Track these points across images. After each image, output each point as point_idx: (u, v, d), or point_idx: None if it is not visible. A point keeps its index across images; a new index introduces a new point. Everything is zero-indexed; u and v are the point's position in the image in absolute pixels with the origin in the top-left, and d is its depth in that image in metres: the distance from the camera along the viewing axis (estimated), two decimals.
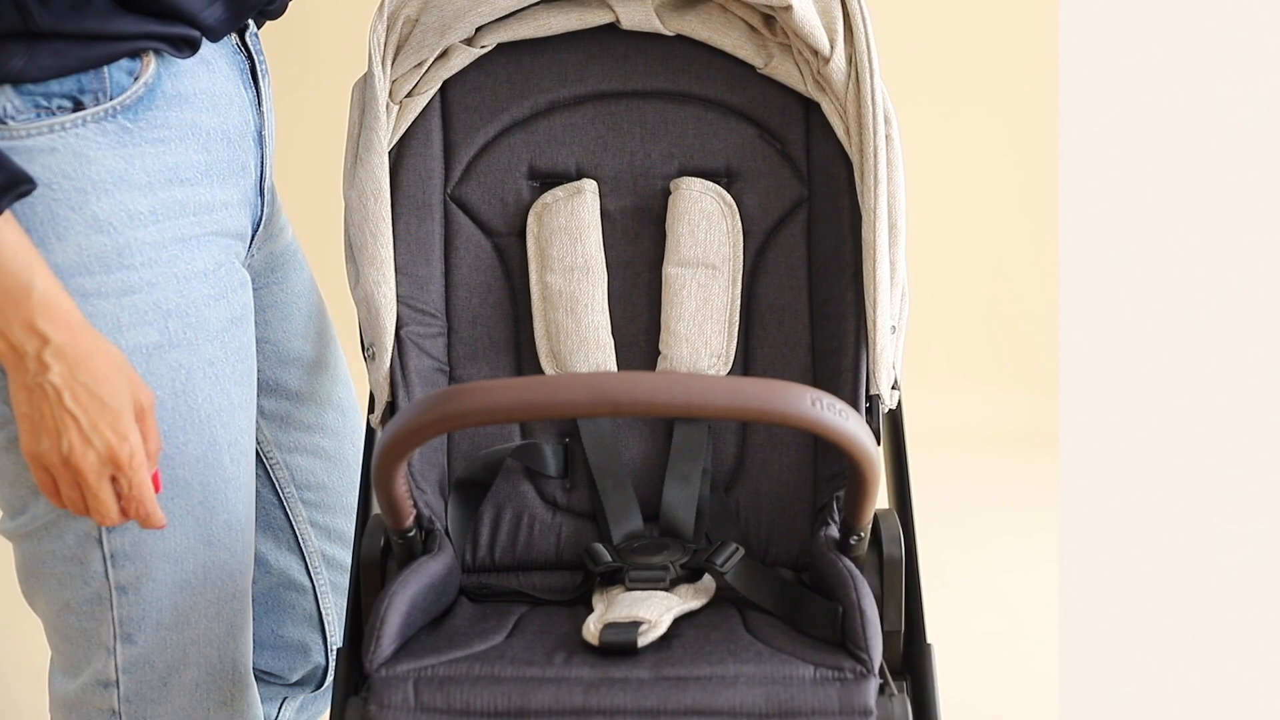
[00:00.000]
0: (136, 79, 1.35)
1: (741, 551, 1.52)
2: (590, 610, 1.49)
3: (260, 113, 1.49)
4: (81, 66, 1.31)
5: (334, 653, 1.70)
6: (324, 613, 1.68)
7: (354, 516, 1.67)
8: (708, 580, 1.53)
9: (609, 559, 1.54)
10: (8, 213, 1.26)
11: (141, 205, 1.35)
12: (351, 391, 1.69)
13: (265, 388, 1.59)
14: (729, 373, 1.61)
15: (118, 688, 1.44)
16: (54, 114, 1.31)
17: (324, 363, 1.64)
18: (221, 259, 1.43)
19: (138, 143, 1.35)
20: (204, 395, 1.40)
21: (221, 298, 1.42)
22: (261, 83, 1.48)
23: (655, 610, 1.42)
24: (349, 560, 1.67)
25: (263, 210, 1.51)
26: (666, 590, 1.50)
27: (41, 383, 1.27)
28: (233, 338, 1.43)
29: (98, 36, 1.31)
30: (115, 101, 1.34)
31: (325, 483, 1.65)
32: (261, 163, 1.49)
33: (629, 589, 1.50)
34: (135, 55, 1.35)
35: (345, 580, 1.67)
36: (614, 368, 1.62)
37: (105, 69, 1.33)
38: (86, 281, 1.33)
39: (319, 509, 1.65)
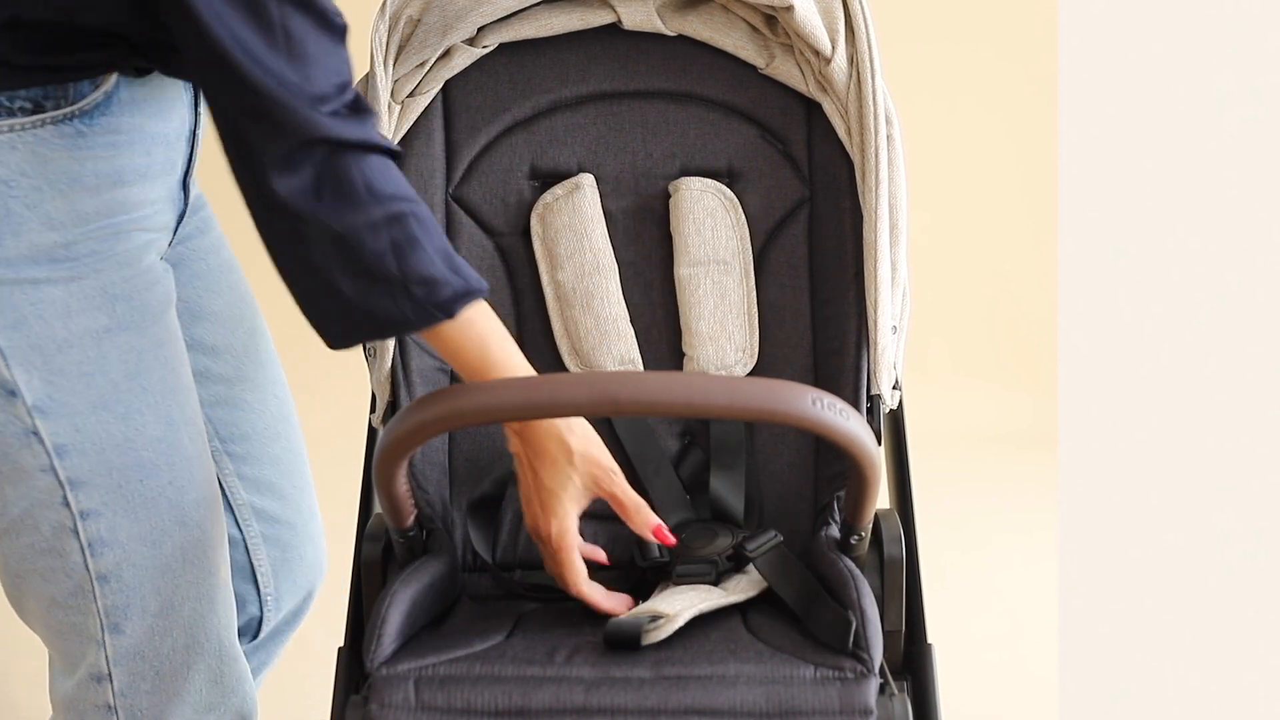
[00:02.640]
0: (98, 87, 1.37)
1: (779, 539, 1.51)
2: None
3: (196, 112, 1.50)
4: (49, 83, 1.34)
5: (268, 603, 1.70)
6: (256, 565, 1.68)
7: (280, 466, 1.68)
8: (751, 576, 1.52)
9: (656, 553, 1.53)
10: (470, 313, 1.36)
11: (89, 206, 1.37)
12: (270, 344, 1.69)
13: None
14: (754, 367, 1.61)
15: (111, 682, 1.45)
16: (14, 115, 1.33)
17: (238, 317, 1.64)
18: (148, 249, 1.44)
19: (90, 146, 1.37)
20: (157, 376, 1.42)
21: (156, 283, 1.44)
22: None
23: (678, 604, 1.42)
24: (277, 510, 1.68)
25: (186, 204, 1.51)
26: (713, 584, 1.49)
27: (514, 452, 1.48)
28: (170, 320, 1.45)
29: (68, 66, 1.34)
30: (75, 107, 1.36)
31: (249, 433, 1.65)
32: (189, 160, 1.50)
33: (676, 583, 1.50)
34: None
35: (275, 530, 1.68)
36: (638, 357, 1.62)
37: (70, 82, 1.35)
38: (36, 271, 1.35)
39: (244, 461, 1.65)
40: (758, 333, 1.61)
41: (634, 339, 1.62)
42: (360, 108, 1.32)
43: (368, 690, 1.36)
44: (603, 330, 1.60)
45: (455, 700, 1.33)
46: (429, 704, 1.33)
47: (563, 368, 1.62)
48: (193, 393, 1.47)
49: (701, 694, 1.32)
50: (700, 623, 1.46)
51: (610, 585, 1.52)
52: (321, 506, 1.73)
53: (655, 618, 1.39)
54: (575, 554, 1.46)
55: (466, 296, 1.34)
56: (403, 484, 1.40)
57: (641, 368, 1.60)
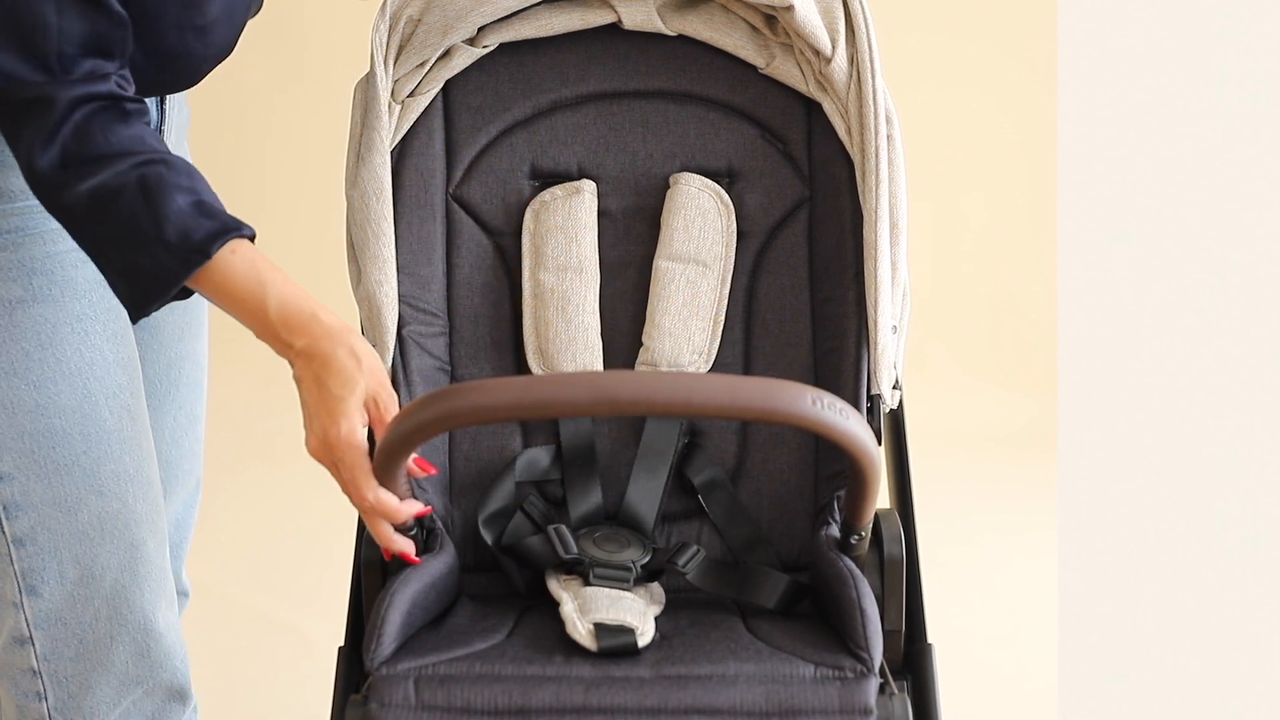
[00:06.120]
0: None
1: (702, 553, 1.54)
2: (545, 587, 1.51)
3: (162, 110, 1.52)
4: None
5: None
6: None
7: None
8: (657, 588, 1.54)
9: (573, 547, 1.53)
10: (232, 246, 1.34)
11: (15, 185, 1.41)
12: (200, 373, 1.72)
13: None
14: (710, 370, 1.61)
15: (33, 645, 1.49)
16: None
17: (178, 337, 1.67)
18: None
19: None
20: (72, 349, 1.45)
21: (86, 262, 1.45)
22: None
23: (635, 616, 1.42)
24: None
25: None
26: (628, 589, 1.50)
27: (296, 379, 1.38)
28: (100, 298, 1.47)
29: None
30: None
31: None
32: None
33: (592, 584, 1.50)
34: None
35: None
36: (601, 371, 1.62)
37: None
38: None
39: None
40: (719, 339, 1.62)
41: (600, 351, 1.62)
42: (100, 70, 1.33)
43: (368, 690, 1.36)
44: (571, 336, 1.61)
45: (455, 699, 1.33)
46: (429, 703, 1.33)
47: (526, 367, 1.62)
48: (122, 368, 1.49)
49: (702, 693, 1.32)
50: (700, 622, 1.46)
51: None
52: (321, 506, 1.74)
53: (630, 629, 1.39)
54: (365, 457, 1.37)
55: (223, 235, 1.33)
56: (403, 484, 1.40)
57: None
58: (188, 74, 1.47)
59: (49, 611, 1.48)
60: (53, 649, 1.49)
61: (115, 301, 1.48)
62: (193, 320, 1.68)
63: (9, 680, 1.52)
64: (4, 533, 1.45)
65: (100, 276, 1.47)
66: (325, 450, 1.37)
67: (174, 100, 1.53)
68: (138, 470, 1.50)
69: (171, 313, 1.64)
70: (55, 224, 1.43)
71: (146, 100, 1.48)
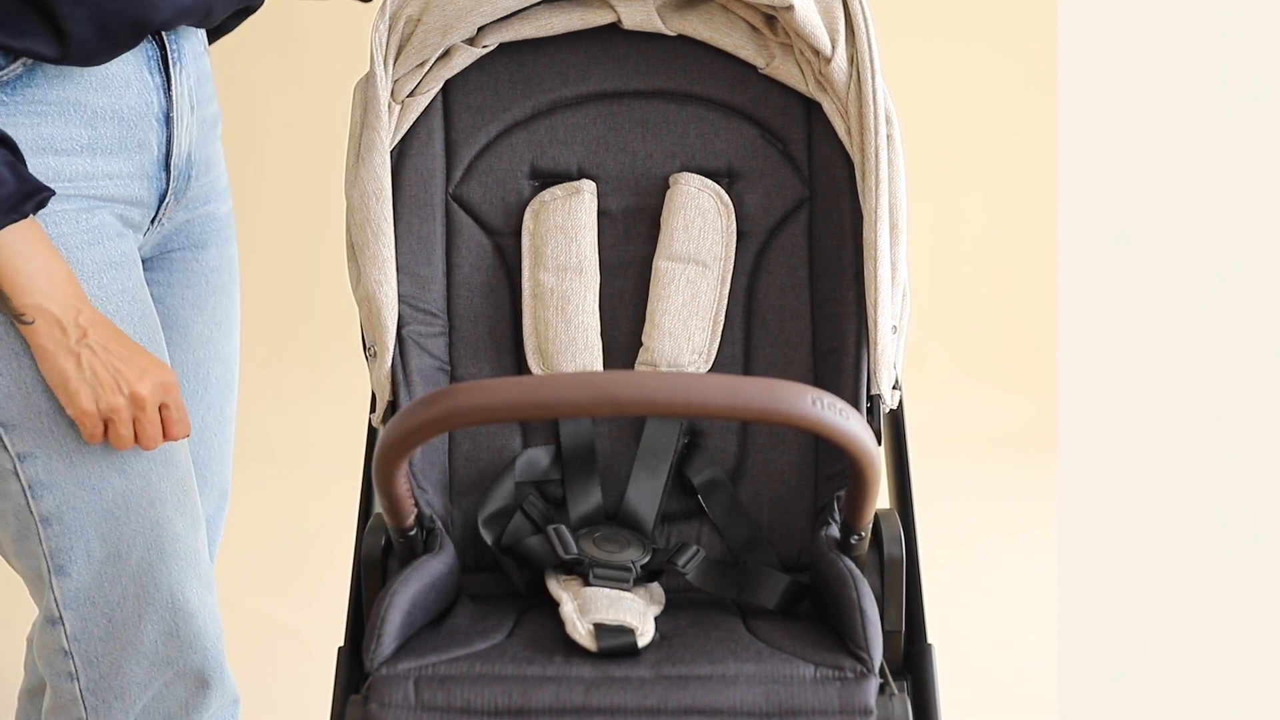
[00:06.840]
0: (17, 59, 1.40)
1: (702, 553, 1.55)
2: (545, 587, 1.51)
3: (169, 97, 1.51)
4: None
5: None
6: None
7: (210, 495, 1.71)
8: (657, 588, 1.54)
9: (573, 547, 1.54)
10: (35, 218, 1.38)
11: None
12: (229, 379, 1.72)
13: None
14: (710, 370, 1.62)
15: (63, 625, 1.49)
16: None
17: (207, 338, 1.67)
18: (95, 211, 1.47)
19: (12, 114, 1.40)
20: None
21: (95, 243, 1.46)
22: (173, 70, 1.51)
23: (635, 616, 1.42)
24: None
25: (169, 185, 1.54)
26: (628, 590, 1.50)
27: (87, 345, 1.42)
28: (112, 280, 1.47)
29: None
30: None
31: None
32: (168, 142, 1.52)
33: (591, 584, 1.51)
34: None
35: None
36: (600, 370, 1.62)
37: None
38: None
39: None
40: (719, 339, 1.62)
41: (600, 352, 1.63)
42: None
43: (368, 690, 1.36)
44: (571, 336, 1.61)
45: (455, 699, 1.33)
46: (429, 703, 1.33)
47: (526, 367, 1.62)
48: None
49: (701, 693, 1.32)
50: (701, 622, 1.46)
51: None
52: (321, 506, 1.74)
53: (630, 629, 1.40)
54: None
55: (39, 193, 1.37)
56: (403, 484, 1.40)
57: None
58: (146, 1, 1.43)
59: (77, 591, 1.48)
60: (82, 629, 1.49)
61: (128, 283, 1.49)
62: (223, 321, 1.68)
63: (44, 661, 1.52)
64: (32, 512, 1.45)
65: (112, 257, 1.47)
66: (161, 391, 1.45)
67: (184, 88, 1.51)
68: (163, 452, 1.49)
69: (200, 313, 1.64)
70: (62, 208, 1.43)
71: (147, 84, 1.48)
